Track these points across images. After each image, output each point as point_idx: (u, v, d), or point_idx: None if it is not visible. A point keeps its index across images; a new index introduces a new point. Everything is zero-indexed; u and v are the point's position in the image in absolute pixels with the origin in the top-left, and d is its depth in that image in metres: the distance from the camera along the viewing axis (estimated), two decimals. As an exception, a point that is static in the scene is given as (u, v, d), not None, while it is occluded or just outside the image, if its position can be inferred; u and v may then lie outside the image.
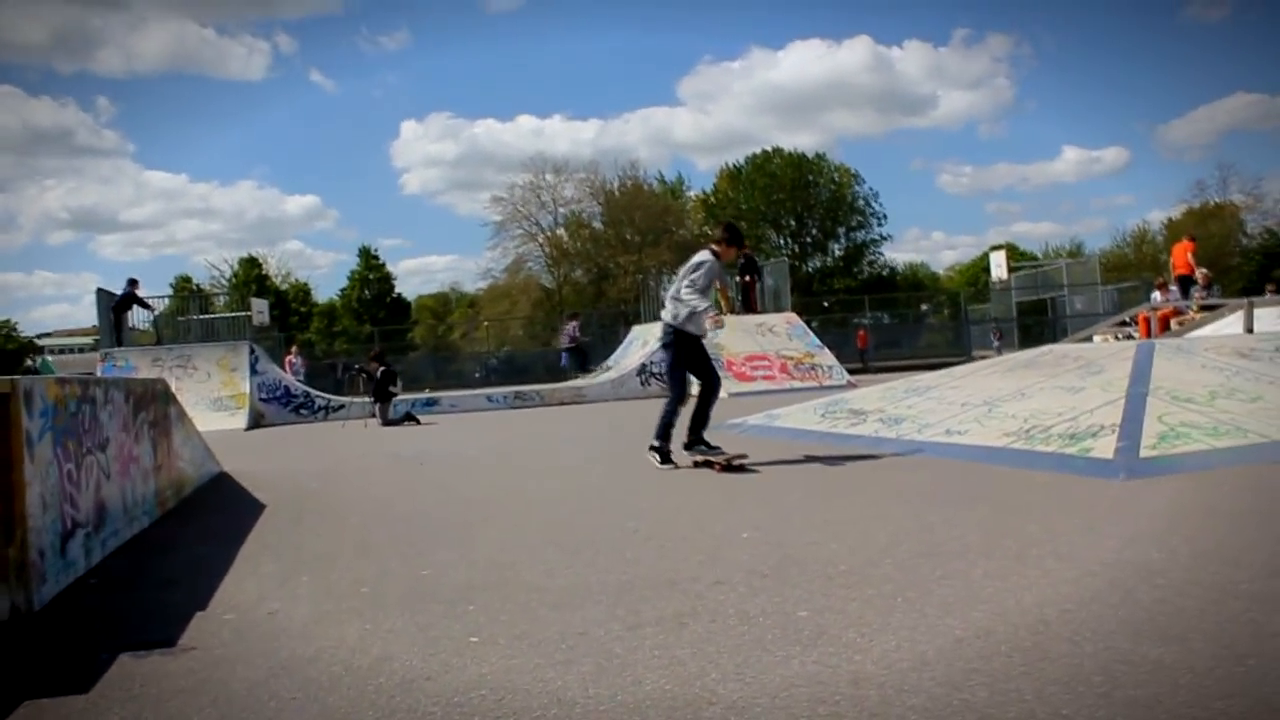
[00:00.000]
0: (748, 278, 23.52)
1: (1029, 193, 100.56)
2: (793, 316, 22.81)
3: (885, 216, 69.88)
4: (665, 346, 8.10)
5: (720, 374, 19.22)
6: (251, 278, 58.04)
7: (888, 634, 3.14)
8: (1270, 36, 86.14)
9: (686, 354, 7.97)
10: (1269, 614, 3.10)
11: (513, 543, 5.22)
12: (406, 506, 7.02)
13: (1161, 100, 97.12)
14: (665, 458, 7.98)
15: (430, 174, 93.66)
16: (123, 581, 4.65)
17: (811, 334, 22.43)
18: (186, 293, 49.33)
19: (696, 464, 7.87)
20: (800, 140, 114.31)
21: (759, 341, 21.25)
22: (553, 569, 4.42)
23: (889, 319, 51.94)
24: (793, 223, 69.14)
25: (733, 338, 21.00)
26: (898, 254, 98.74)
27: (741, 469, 7.53)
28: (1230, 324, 13.64)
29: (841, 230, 69.44)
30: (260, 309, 28.10)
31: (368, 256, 63.01)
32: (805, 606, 3.52)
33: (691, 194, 69.42)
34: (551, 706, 2.67)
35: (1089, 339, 15.53)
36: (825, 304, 56.01)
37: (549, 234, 61.74)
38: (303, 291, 63.30)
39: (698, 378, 8.09)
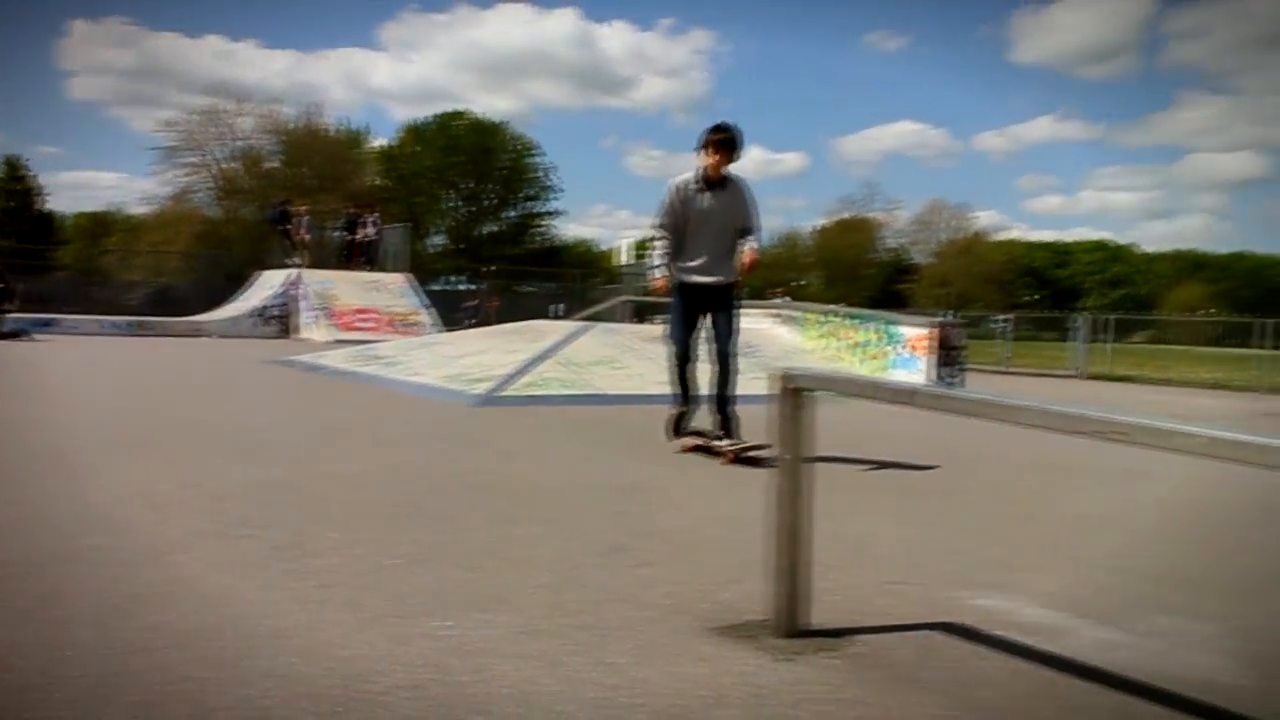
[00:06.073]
0: (350, 235, 26.36)
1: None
2: (405, 277, 25.87)
3: (562, 190, 74.25)
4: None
5: (328, 323, 22.26)
6: None
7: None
8: (936, 70, 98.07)
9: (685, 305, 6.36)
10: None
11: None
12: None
13: (841, 115, 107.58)
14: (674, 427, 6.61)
15: (102, 82, 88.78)
16: None
17: (420, 295, 25.53)
18: None
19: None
20: (499, 104, 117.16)
21: (369, 297, 24.16)
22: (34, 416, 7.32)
23: (556, 288, 55.57)
24: (471, 185, 71.81)
25: (346, 290, 23.87)
26: (582, 229, 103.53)
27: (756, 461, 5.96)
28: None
29: (518, 199, 72.93)
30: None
31: (12, 166, 60.01)
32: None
33: (376, 143, 70.55)
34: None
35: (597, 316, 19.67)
36: (491, 269, 60.08)
37: (221, 166, 61.17)
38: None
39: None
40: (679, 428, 6.53)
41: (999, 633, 3.09)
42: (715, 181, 6.11)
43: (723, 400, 6.24)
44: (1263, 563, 4.48)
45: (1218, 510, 5.67)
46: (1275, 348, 22.31)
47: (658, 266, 6.26)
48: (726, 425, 6.23)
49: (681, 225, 6.16)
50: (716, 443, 6.25)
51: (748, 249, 6.14)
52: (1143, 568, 4.11)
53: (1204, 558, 4.47)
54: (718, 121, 6.08)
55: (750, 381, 12.04)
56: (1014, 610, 3.35)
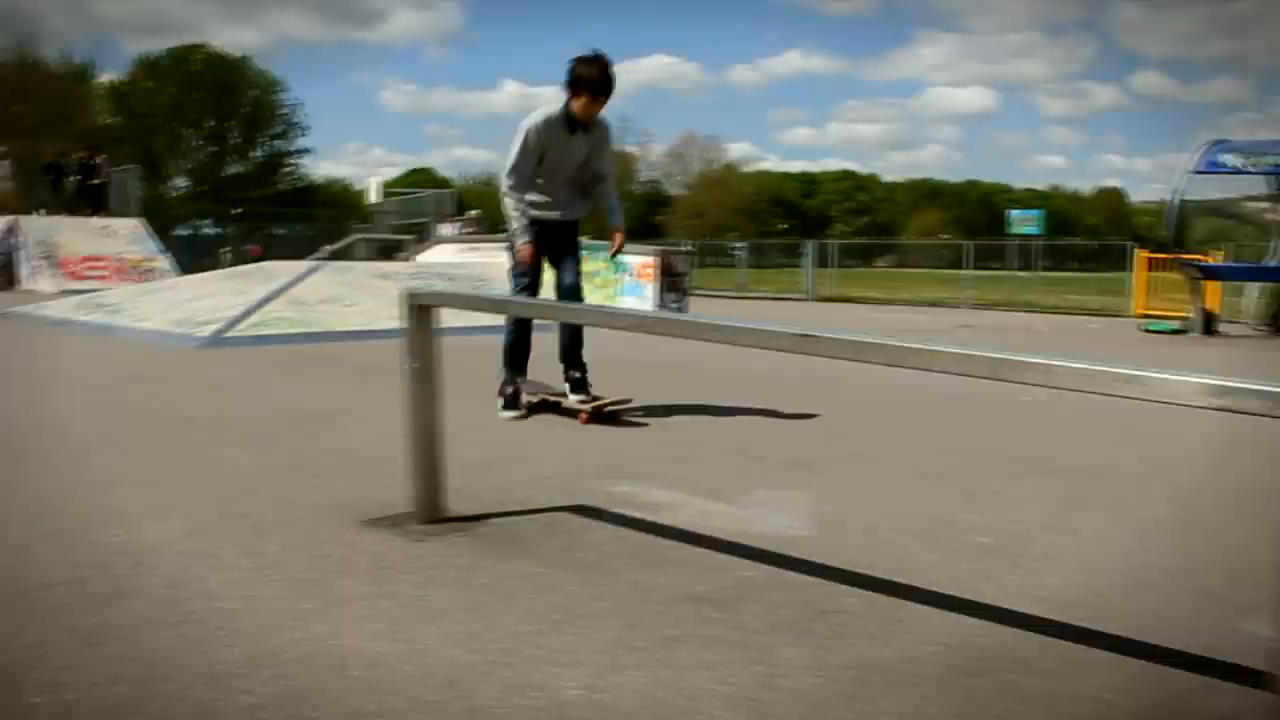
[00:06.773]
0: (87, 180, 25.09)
1: (470, 119, 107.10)
2: (138, 223, 24.69)
3: (309, 128, 71.79)
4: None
5: (54, 273, 21.12)
6: None
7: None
8: (689, 3, 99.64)
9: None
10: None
11: None
12: None
13: (595, 47, 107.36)
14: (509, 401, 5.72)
15: None
16: None
17: (154, 241, 24.44)
18: None
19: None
20: (241, 37, 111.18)
21: (99, 244, 22.95)
22: None
23: (304, 230, 53.88)
24: (213, 124, 68.43)
25: (72, 237, 22.61)
26: (337, 167, 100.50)
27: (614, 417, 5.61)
28: (437, 253, 18.33)
29: (264, 138, 70.10)
30: None
31: None
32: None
33: (105, 79, 65.83)
34: None
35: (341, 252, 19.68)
36: (235, 211, 57.93)
37: (-89, 103, 55.44)
38: None
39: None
40: (517, 399, 5.71)
41: (620, 510, 3.66)
42: (581, 124, 5.57)
43: (573, 349, 5.64)
44: (866, 446, 5.29)
45: (866, 406, 6.52)
46: (978, 268, 24.78)
47: (520, 231, 5.56)
48: (580, 380, 5.62)
49: (535, 166, 5.55)
50: (566, 399, 5.63)
51: (618, 236, 5.77)
52: (773, 456, 4.82)
53: (824, 447, 5.24)
54: (590, 53, 5.42)
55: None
56: (641, 493, 3.95)
